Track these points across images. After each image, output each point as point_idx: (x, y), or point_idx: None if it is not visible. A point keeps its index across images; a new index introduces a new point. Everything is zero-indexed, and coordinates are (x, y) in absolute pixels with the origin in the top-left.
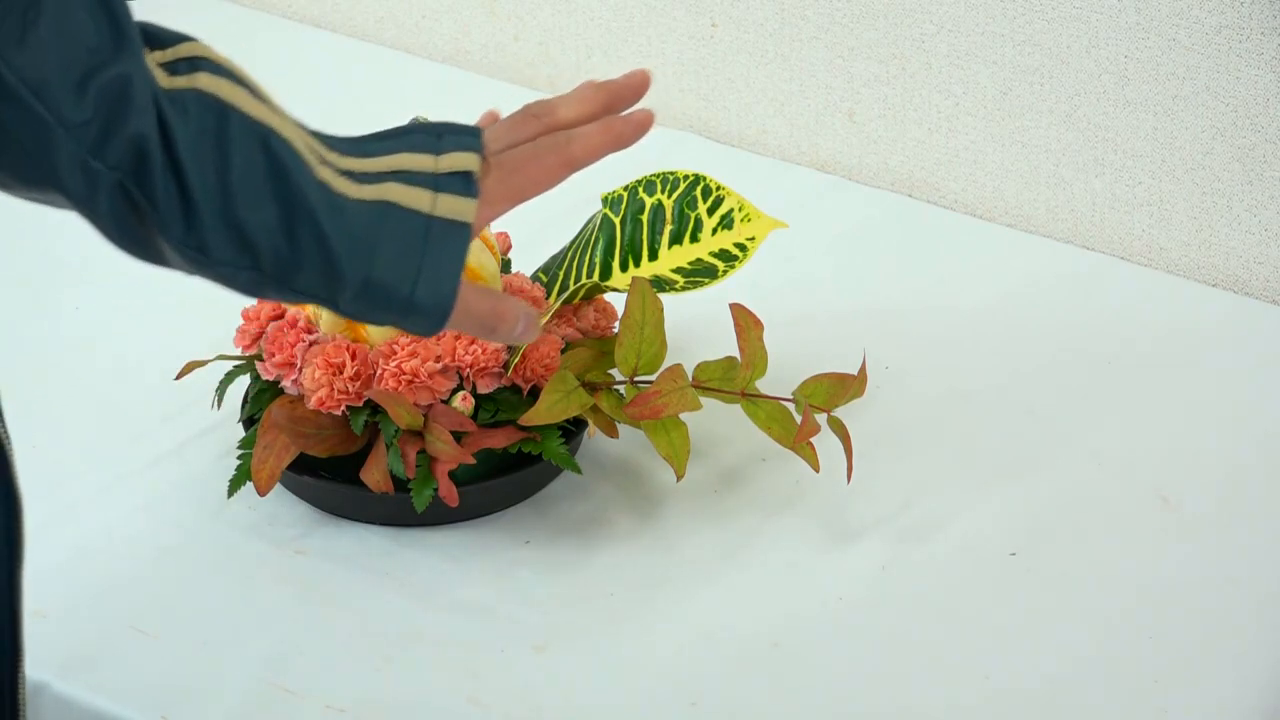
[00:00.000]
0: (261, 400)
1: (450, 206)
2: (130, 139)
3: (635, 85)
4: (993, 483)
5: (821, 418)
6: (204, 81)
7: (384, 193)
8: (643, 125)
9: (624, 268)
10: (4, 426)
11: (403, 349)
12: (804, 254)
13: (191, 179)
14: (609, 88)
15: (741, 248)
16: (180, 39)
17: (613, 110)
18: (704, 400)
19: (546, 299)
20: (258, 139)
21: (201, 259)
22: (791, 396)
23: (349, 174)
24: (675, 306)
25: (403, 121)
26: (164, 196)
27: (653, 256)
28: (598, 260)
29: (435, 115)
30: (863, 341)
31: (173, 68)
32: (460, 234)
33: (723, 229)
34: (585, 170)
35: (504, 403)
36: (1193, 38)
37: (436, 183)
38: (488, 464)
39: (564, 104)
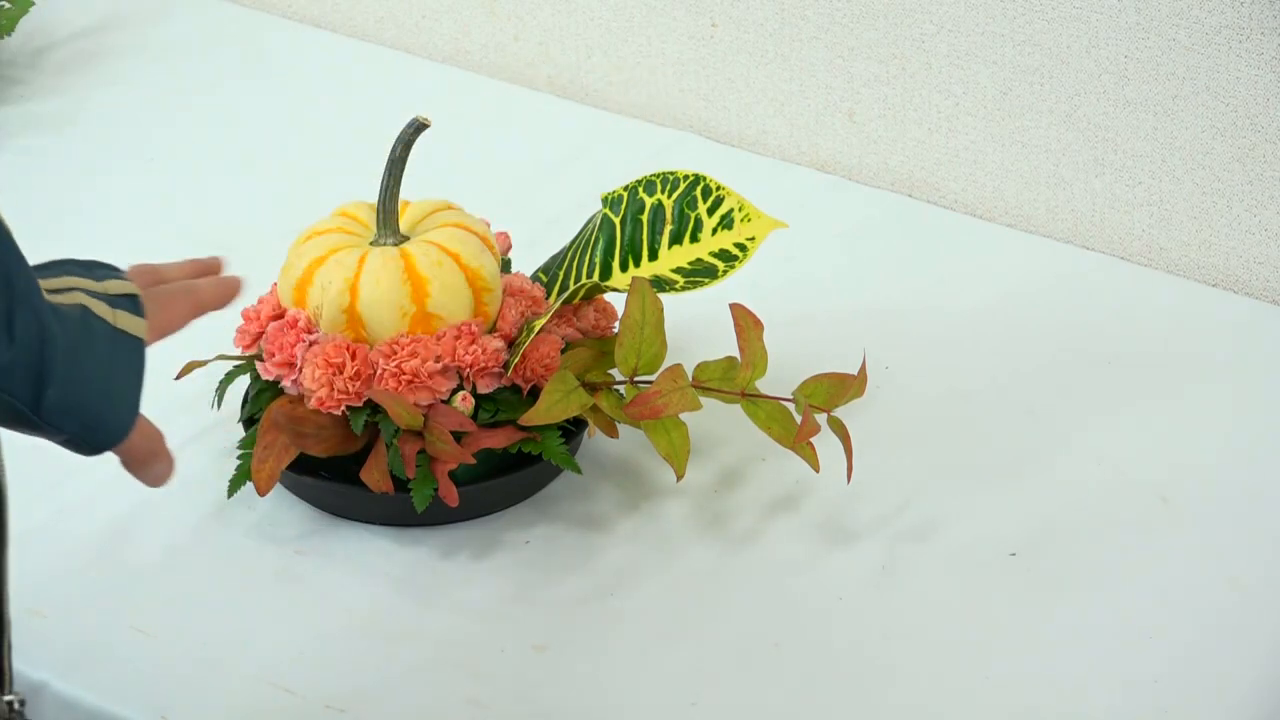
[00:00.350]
0: (261, 400)
1: (128, 321)
2: None
3: (207, 265)
4: (993, 483)
5: (821, 418)
6: None
7: (73, 298)
8: (233, 285)
9: (624, 268)
10: None
11: (403, 349)
12: (804, 254)
13: None
14: (197, 263)
15: (741, 248)
16: None
17: (206, 274)
18: (704, 400)
19: (546, 299)
20: None
21: None
22: (791, 396)
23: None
24: (675, 306)
25: (403, 121)
26: None
27: (653, 256)
28: (598, 260)
29: (435, 115)
30: (863, 341)
31: None
32: (139, 349)
33: (723, 229)
34: (585, 170)
35: (504, 403)
36: (1193, 38)
37: (111, 300)
38: (488, 464)
39: (167, 268)
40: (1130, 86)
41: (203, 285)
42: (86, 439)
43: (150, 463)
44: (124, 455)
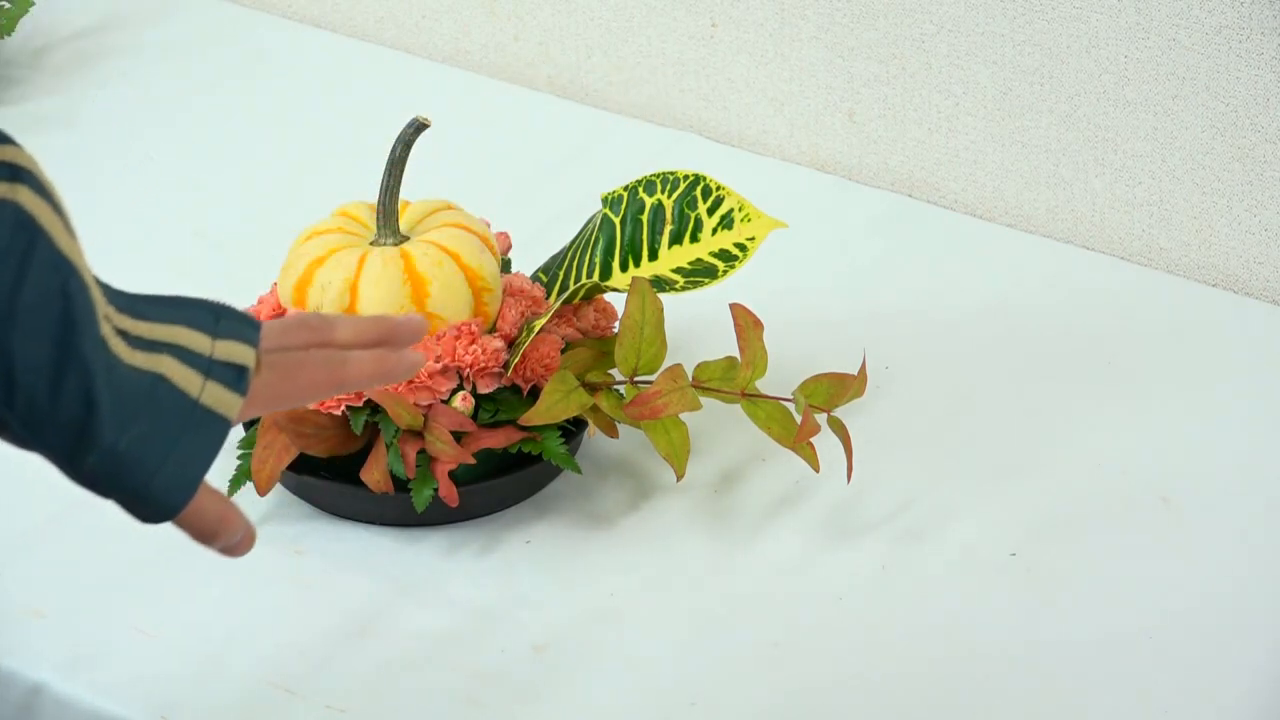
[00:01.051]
0: None
1: (217, 397)
2: None
3: (414, 328)
4: (993, 483)
5: (821, 418)
6: (24, 197)
7: (157, 364)
8: (414, 366)
9: (624, 268)
10: None
11: None
12: (804, 254)
13: None
14: (388, 323)
15: (741, 248)
16: (4, 140)
17: (387, 344)
18: (704, 400)
19: (546, 299)
20: (59, 275)
21: None
22: (791, 396)
23: (124, 335)
24: (675, 306)
25: (403, 121)
26: None
27: (653, 256)
28: (598, 260)
29: (435, 115)
30: (863, 341)
31: None
32: (219, 428)
33: (723, 229)
34: (585, 170)
35: (504, 403)
36: (1193, 38)
37: (209, 367)
38: (488, 464)
39: (342, 325)
40: (1130, 86)
41: (356, 361)
42: (130, 510)
43: (213, 539)
44: (182, 528)
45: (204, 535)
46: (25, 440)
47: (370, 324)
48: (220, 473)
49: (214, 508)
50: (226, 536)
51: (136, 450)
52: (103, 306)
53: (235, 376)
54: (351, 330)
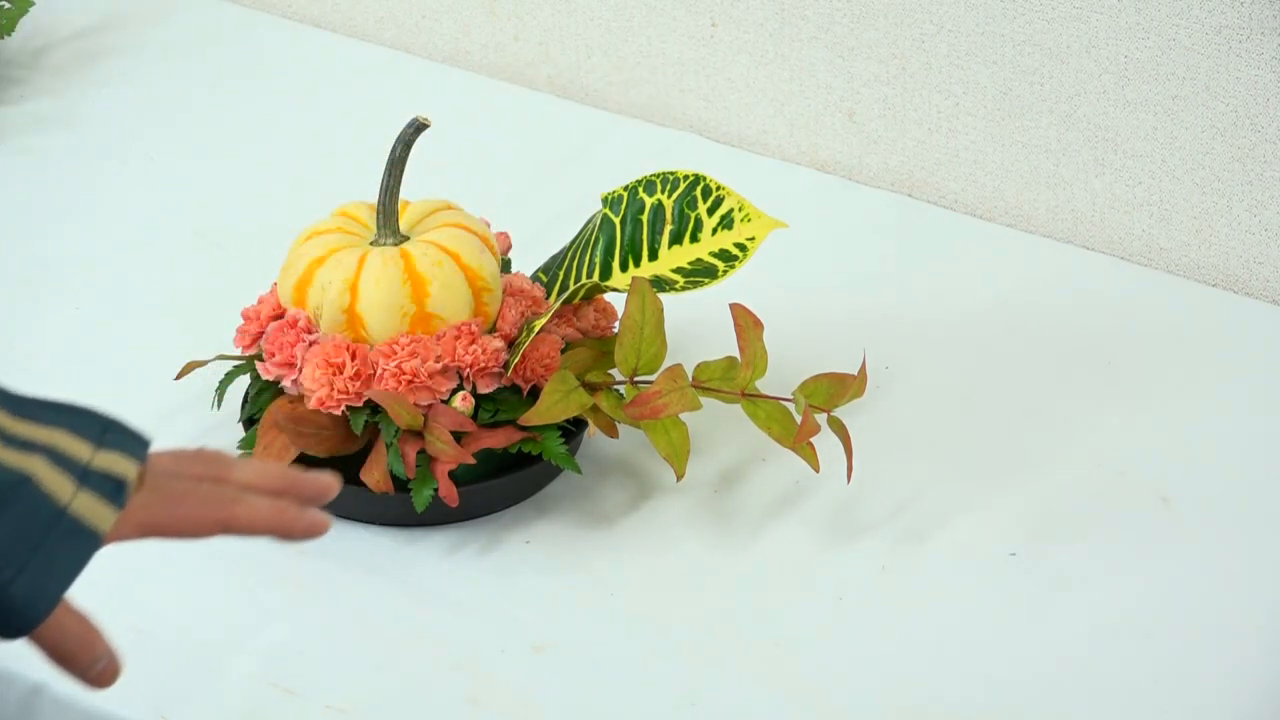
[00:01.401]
0: (261, 400)
1: (89, 508)
2: None
3: (320, 486)
4: (993, 483)
5: (821, 418)
6: None
7: (27, 463)
8: (315, 529)
9: (624, 268)
10: None
11: (403, 349)
12: (804, 254)
13: None
14: (293, 475)
15: (741, 248)
16: None
17: (289, 495)
18: (704, 400)
19: (546, 299)
20: None
21: None
22: (791, 396)
23: None
24: (675, 306)
25: (403, 121)
26: None
27: (653, 256)
28: (598, 260)
29: (435, 115)
30: (863, 341)
31: None
32: (87, 542)
33: (723, 229)
34: (585, 170)
35: (504, 403)
36: (1193, 38)
37: (85, 475)
38: (488, 464)
39: (242, 466)
40: (1130, 86)
41: (249, 503)
42: None
43: (72, 662)
44: (38, 646)
45: (62, 657)
46: None
47: (275, 471)
48: None
49: (76, 628)
50: (89, 661)
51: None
52: None
53: (113, 489)
54: (252, 472)
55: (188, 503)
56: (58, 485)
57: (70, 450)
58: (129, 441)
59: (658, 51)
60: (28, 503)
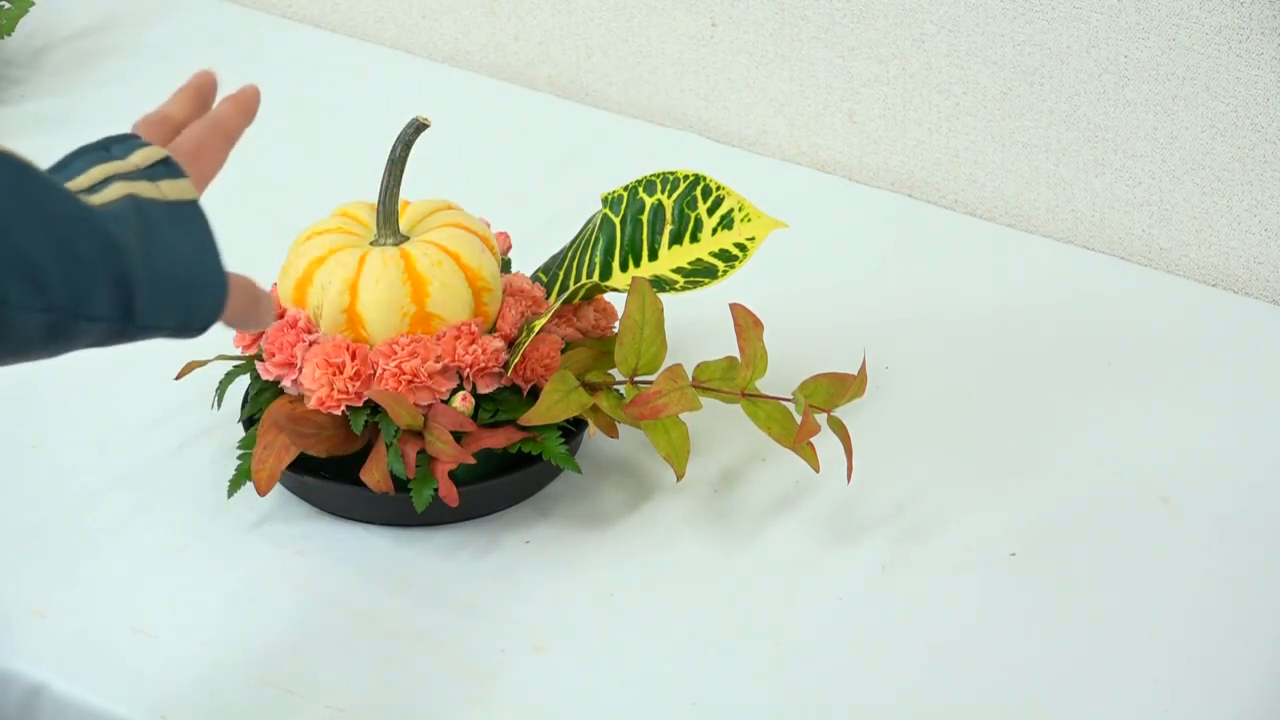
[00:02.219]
0: (261, 400)
1: (175, 189)
2: None
3: (204, 80)
4: (993, 483)
5: (821, 418)
6: None
7: (116, 191)
8: (251, 95)
9: (624, 268)
10: None
11: (403, 349)
12: (804, 254)
13: None
14: (194, 90)
15: (741, 248)
16: None
17: (208, 95)
18: (704, 400)
19: (546, 299)
20: (8, 168)
21: None
22: (791, 396)
23: (73, 190)
24: (675, 306)
25: (404, 121)
26: None
27: (653, 256)
28: (598, 260)
29: (435, 115)
30: (863, 341)
31: None
32: (198, 211)
33: (723, 229)
34: (585, 170)
35: (504, 403)
36: (1193, 38)
37: (149, 174)
38: (488, 464)
39: (169, 106)
40: (1130, 86)
41: (220, 112)
42: (191, 323)
43: (254, 309)
44: (228, 319)
45: (244, 312)
46: (71, 327)
47: (180, 93)
48: (220, 473)
49: (241, 282)
50: (262, 302)
51: (165, 265)
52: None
53: (169, 168)
54: (179, 104)
55: (202, 148)
56: (146, 189)
57: (117, 170)
58: (130, 140)
59: (658, 51)
60: (150, 211)
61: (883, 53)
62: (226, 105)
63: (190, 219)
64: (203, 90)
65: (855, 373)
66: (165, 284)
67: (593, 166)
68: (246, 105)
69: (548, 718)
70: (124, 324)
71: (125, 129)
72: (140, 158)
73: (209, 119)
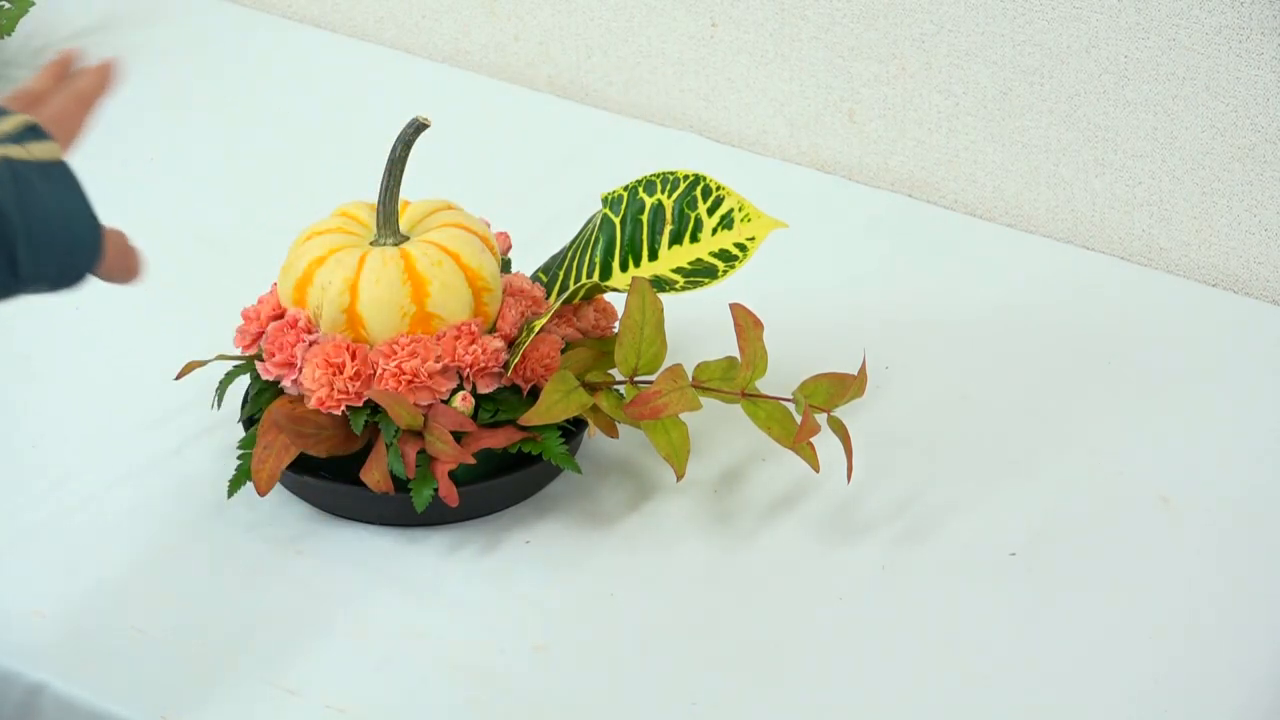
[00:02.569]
0: (261, 400)
1: (43, 150)
2: None
3: (65, 56)
4: (993, 483)
5: (821, 418)
6: None
7: None
8: (108, 65)
9: (624, 268)
10: None
11: (403, 349)
12: (804, 254)
13: None
14: (57, 66)
15: (741, 248)
16: None
17: (69, 69)
18: (704, 400)
19: (546, 299)
20: None
21: None
22: (791, 396)
23: None
24: (675, 306)
25: (404, 121)
26: None
27: (653, 256)
28: (598, 260)
29: (435, 115)
30: (863, 342)
31: None
32: (67, 170)
33: (723, 229)
34: (585, 170)
35: (504, 403)
36: (1193, 38)
37: (17, 139)
38: (488, 464)
39: (32, 82)
40: (1130, 86)
41: (79, 82)
42: (69, 274)
43: (126, 260)
44: (103, 270)
45: (118, 264)
46: None
47: (44, 70)
48: (220, 473)
49: (114, 235)
50: (133, 256)
51: (42, 219)
52: None
53: (35, 133)
54: (42, 79)
55: (63, 116)
56: (14, 152)
57: None
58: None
59: (658, 51)
60: (21, 171)
61: (883, 53)
62: (85, 75)
63: (60, 176)
64: (64, 65)
65: (855, 373)
66: (43, 237)
67: (593, 166)
68: (104, 75)
69: (548, 718)
70: (6, 276)
71: (126, 130)
72: (8, 125)
73: (69, 89)
